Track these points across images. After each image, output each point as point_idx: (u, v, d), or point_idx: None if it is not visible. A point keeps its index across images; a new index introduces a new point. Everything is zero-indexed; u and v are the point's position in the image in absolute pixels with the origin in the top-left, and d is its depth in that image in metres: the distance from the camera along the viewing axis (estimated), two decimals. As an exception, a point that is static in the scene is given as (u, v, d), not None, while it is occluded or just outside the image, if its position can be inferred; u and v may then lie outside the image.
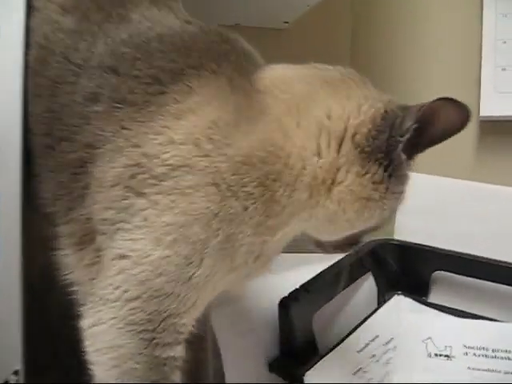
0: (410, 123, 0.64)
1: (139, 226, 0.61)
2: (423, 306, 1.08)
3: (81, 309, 0.64)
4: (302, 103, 0.66)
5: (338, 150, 0.65)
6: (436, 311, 1.06)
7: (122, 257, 0.61)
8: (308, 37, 1.49)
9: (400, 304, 1.09)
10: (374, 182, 0.66)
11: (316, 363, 0.90)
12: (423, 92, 1.29)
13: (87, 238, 0.66)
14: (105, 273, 0.62)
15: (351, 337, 0.98)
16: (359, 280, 1.10)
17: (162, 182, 0.60)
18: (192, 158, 0.60)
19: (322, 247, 0.76)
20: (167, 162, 0.60)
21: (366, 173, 0.65)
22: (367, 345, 0.96)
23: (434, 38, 1.30)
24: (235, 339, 0.94)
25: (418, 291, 1.14)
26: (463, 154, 1.21)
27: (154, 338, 0.60)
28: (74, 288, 0.67)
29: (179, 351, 0.62)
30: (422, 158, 1.26)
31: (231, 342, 0.93)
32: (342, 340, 0.97)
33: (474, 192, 1.16)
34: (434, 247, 1.13)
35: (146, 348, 0.60)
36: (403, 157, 0.66)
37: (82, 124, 0.65)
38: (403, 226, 1.17)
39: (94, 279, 0.64)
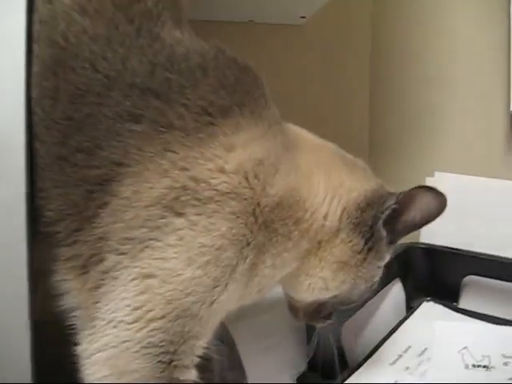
0: (390, 203, 0.74)
1: (173, 244, 0.61)
2: (455, 313, 1.03)
3: (80, 334, 0.62)
4: (325, 168, 0.74)
5: (340, 218, 0.72)
6: (469, 318, 1.01)
7: (148, 276, 0.60)
8: (326, 33, 1.44)
9: (431, 311, 1.04)
10: (354, 251, 0.73)
11: (347, 377, 0.85)
12: (449, 86, 1.25)
13: (94, 260, 0.63)
14: (118, 294, 0.61)
15: (382, 348, 0.93)
16: (387, 286, 1.04)
17: (206, 205, 0.62)
18: (240, 187, 0.63)
19: (296, 313, 0.82)
20: (216, 187, 0.62)
21: (350, 241, 0.73)
22: (400, 356, 0.91)
23: (460, 31, 1.25)
24: (259, 354, 0.90)
25: (448, 297, 1.09)
26: (493, 151, 1.16)
27: (172, 361, 0.60)
28: (74, 313, 0.64)
29: (194, 374, 0.63)
30: (449, 155, 1.23)
31: (255, 358, 0.89)
32: (373, 352, 0.92)
33: (504, 191, 1.10)
34: (463, 250, 1.08)
35: (163, 372, 0.60)
36: (383, 233, 0.75)
37: (110, 140, 0.63)
38: (430, 228, 1.12)
39: (98, 302, 0.62)
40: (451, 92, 1.25)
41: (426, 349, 0.93)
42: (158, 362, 0.59)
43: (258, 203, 0.65)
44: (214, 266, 0.61)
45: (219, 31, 1.26)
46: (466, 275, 1.07)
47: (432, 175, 1.17)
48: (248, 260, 0.64)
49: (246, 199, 0.64)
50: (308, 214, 0.70)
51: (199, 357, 0.63)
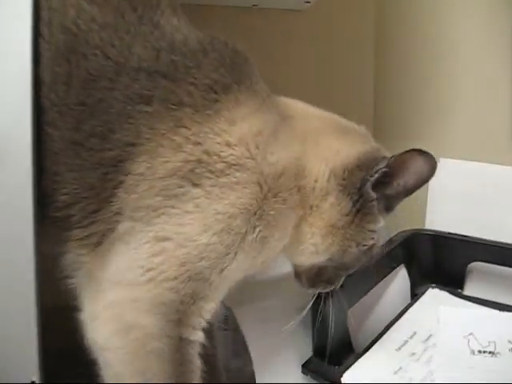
0: (380, 166, 0.74)
1: (190, 211, 0.64)
2: (461, 300, 1.03)
3: (86, 299, 0.65)
4: (315, 133, 0.77)
5: (328, 180, 0.74)
6: (475, 304, 1.01)
7: (163, 239, 0.63)
8: (330, 18, 1.42)
9: (436, 298, 1.04)
10: (341, 213, 0.75)
11: (353, 363, 0.85)
12: (454, 72, 1.25)
13: (108, 234, 0.66)
14: (130, 256, 0.63)
15: (388, 334, 0.93)
16: (392, 273, 1.04)
17: (219, 177, 0.66)
18: (243, 158, 0.67)
19: (300, 279, 0.84)
20: (225, 160, 0.66)
21: (338, 204, 0.75)
22: (406, 342, 0.91)
23: (467, 18, 1.24)
24: (265, 338, 0.89)
25: (453, 283, 1.09)
26: (498, 137, 1.15)
27: (181, 320, 0.63)
28: (81, 284, 0.67)
29: (201, 337, 0.66)
30: (454, 141, 1.22)
31: (261, 341, 0.88)
32: (378, 337, 0.92)
33: (510, 177, 1.09)
34: (469, 236, 1.08)
35: (172, 329, 0.62)
36: (372, 195, 0.75)
37: (122, 122, 0.65)
38: (435, 214, 1.12)
39: (105, 266, 0.64)
40: (456, 78, 1.25)
41: (431, 335, 0.93)
42: (168, 320, 0.62)
43: (261, 172, 0.68)
44: (227, 234, 0.65)
45: (223, 16, 1.26)
46: (471, 262, 1.07)
47: (437, 161, 1.15)
48: (256, 230, 0.68)
49: (248, 169, 0.67)
50: (306, 180, 0.73)
51: (205, 319, 0.66)
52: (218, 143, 0.67)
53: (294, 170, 0.72)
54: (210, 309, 0.66)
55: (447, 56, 1.27)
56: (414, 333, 0.93)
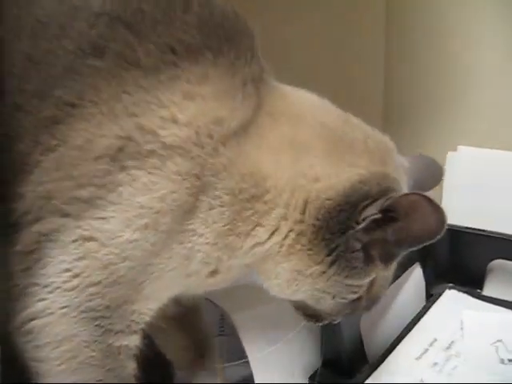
0: (371, 212, 0.60)
1: (113, 202, 0.57)
2: (482, 302, 0.93)
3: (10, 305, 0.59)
4: (299, 146, 0.62)
5: (303, 213, 0.61)
6: (499, 307, 0.91)
7: (89, 239, 0.57)
8: (341, 2, 1.31)
9: (454, 300, 0.94)
10: (312, 260, 0.62)
11: (368, 375, 0.75)
12: (473, 58, 1.15)
13: (29, 219, 0.58)
14: (56, 257, 0.57)
15: (405, 341, 0.82)
16: (406, 272, 0.93)
17: (147, 159, 0.57)
18: (188, 143, 0.57)
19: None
20: (162, 139, 0.57)
21: (309, 249, 0.62)
22: (426, 350, 0.81)
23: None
24: (266, 347, 0.79)
25: (472, 283, 0.99)
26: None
27: (108, 325, 0.59)
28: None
29: (134, 340, 0.61)
30: (473, 128, 1.12)
31: (262, 351, 0.78)
32: (394, 344, 0.82)
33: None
34: (489, 231, 0.98)
35: (101, 335, 0.58)
36: (355, 245, 0.62)
37: (66, 78, 0.57)
38: (450, 207, 1.01)
39: (30, 269, 0.58)
40: (475, 64, 1.16)
41: (453, 342, 0.83)
42: (96, 326, 0.58)
43: (204, 165, 0.58)
44: (153, 230, 0.57)
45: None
46: (491, 259, 0.97)
47: (454, 149, 1.06)
48: (186, 228, 0.59)
49: (192, 158, 0.57)
50: (269, 195, 0.61)
51: (143, 324, 0.61)
52: (161, 117, 0.57)
53: (245, 171, 0.59)
54: (137, 309, 0.60)
55: (462, 40, 1.18)
56: (435, 339, 0.83)
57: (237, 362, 0.83)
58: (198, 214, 0.59)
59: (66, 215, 0.57)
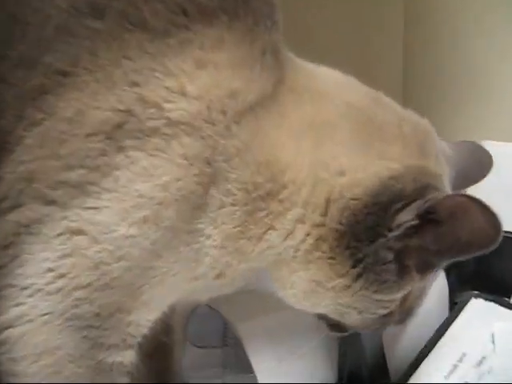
0: (405, 217, 0.52)
1: (108, 189, 0.50)
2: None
3: None
4: (321, 130, 0.55)
5: (323, 214, 0.54)
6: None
7: (77, 232, 0.50)
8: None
9: (483, 310, 0.84)
10: (334, 272, 0.55)
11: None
12: (500, 48, 1.08)
13: (4, 206, 0.51)
14: (37, 254, 0.50)
15: (432, 356, 0.73)
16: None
17: (149, 139, 0.50)
18: (198, 119, 0.50)
19: None
20: (167, 115, 0.50)
21: (331, 258, 0.54)
22: (455, 367, 0.72)
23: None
24: (274, 364, 0.70)
25: (499, 290, 0.89)
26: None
27: (99, 337, 0.51)
28: None
29: (128, 356, 0.54)
30: (499, 122, 1.04)
31: (269, 369, 0.70)
32: (419, 360, 0.73)
33: None
34: (519, 234, 0.89)
35: (89, 349, 0.51)
36: (388, 258, 0.54)
37: (58, 42, 0.51)
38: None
39: (4, 266, 0.51)
40: (501, 55, 1.08)
41: (484, 358, 0.74)
42: (83, 337, 0.50)
43: (216, 147, 0.51)
44: (154, 225, 0.50)
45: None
46: (523, 265, 0.88)
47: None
48: (193, 227, 0.52)
49: (202, 138, 0.50)
50: (285, 192, 0.53)
51: (140, 337, 0.54)
52: (166, 88, 0.50)
53: (261, 158, 0.52)
54: (134, 321, 0.53)
55: (489, 26, 1.10)
56: (464, 354, 0.74)
57: (243, 375, 0.75)
58: (207, 213, 0.52)
59: (50, 202, 0.50)
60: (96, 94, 0.50)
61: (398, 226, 0.52)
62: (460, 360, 0.73)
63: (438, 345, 0.76)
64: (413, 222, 0.52)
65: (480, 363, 0.73)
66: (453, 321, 0.82)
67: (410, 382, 0.69)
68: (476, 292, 0.90)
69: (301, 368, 0.71)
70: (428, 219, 0.52)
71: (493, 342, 0.76)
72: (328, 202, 0.53)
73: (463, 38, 1.14)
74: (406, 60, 1.32)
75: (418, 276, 0.56)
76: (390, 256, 0.54)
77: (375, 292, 0.55)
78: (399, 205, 0.52)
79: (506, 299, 0.90)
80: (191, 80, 0.51)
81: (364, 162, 0.54)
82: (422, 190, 0.53)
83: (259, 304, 0.72)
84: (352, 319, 0.58)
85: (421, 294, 0.61)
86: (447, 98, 1.17)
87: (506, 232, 0.89)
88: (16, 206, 0.50)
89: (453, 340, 0.78)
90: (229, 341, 0.80)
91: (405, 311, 0.60)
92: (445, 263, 0.57)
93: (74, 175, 0.49)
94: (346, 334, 0.63)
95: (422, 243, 0.54)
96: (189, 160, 0.50)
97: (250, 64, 0.53)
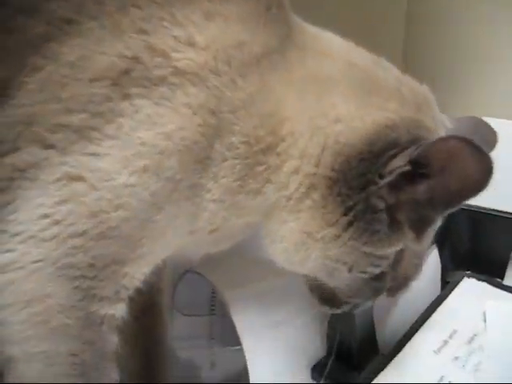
0: (398, 163, 0.51)
1: (110, 135, 0.49)
2: (506, 293, 0.83)
3: None
4: (323, 84, 0.55)
5: (317, 163, 0.53)
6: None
7: (76, 178, 0.48)
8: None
9: (474, 289, 0.83)
10: (324, 221, 0.54)
11: (381, 368, 0.65)
12: (500, 25, 1.05)
13: (3, 149, 0.49)
14: (32, 199, 0.49)
15: (422, 331, 0.72)
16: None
17: (156, 87, 0.49)
18: (205, 69, 0.50)
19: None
20: (175, 64, 0.49)
21: (322, 207, 0.53)
22: (445, 343, 0.71)
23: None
24: (265, 332, 0.69)
25: (492, 271, 0.89)
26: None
27: (91, 288, 0.50)
28: None
29: (120, 310, 0.52)
30: (500, 98, 1.02)
31: (260, 336, 0.68)
32: (409, 335, 0.71)
33: None
34: (516, 214, 0.88)
35: (80, 300, 0.49)
36: (379, 206, 0.53)
37: None
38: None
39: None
40: (505, 27, 1.05)
41: (475, 335, 0.73)
42: (75, 287, 0.49)
43: (221, 97, 0.50)
44: (154, 176, 0.49)
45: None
46: (517, 246, 0.87)
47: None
48: (193, 179, 0.51)
49: (208, 88, 0.50)
50: (283, 145, 0.53)
51: (132, 290, 0.52)
52: (174, 37, 0.49)
53: (264, 109, 0.52)
54: (129, 273, 0.51)
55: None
56: (454, 331, 0.73)
57: (231, 348, 0.73)
58: (211, 168, 0.51)
59: (49, 146, 0.48)
60: (101, 40, 0.49)
61: (391, 172, 0.51)
62: (450, 336, 0.72)
63: (428, 321, 0.75)
64: (405, 168, 0.50)
65: (471, 340, 0.72)
66: (444, 299, 0.81)
67: (400, 355, 0.67)
68: (468, 272, 0.89)
69: (288, 338, 0.69)
70: (420, 173, 0.51)
71: (484, 321, 0.75)
72: (323, 150, 0.53)
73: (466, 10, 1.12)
74: (408, 31, 1.29)
75: (412, 234, 0.55)
76: (381, 205, 0.53)
77: (365, 244, 0.54)
78: (392, 152, 0.51)
79: (499, 280, 0.89)
80: (199, 31, 0.50)
81: (361, 113, 0.54)
82: (416, 141, 0.52)
83: (249, 272, 0.71)
84: (342, 279, 0.56)
85: (416, 262, 0.59)
86: (446, 74, 1.14)
87: (502, 212, 0.89)
88: (12, 150, 0.49)
89: (444, 317, 0.76)
90: (216, 310, 0.79)
91: (398, 279, 0.59)
92: (437, 220, 0.56)
93: (75, 119, 0.48)
94: (338, 310, 0.61)
95: (414, 196, 0.53)
96: (193, 109, 0.49)
97: (256, 18, 0.53)
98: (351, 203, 0.53)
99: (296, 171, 0.53)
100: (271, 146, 0.52)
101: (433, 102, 0.58)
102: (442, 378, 0.65)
